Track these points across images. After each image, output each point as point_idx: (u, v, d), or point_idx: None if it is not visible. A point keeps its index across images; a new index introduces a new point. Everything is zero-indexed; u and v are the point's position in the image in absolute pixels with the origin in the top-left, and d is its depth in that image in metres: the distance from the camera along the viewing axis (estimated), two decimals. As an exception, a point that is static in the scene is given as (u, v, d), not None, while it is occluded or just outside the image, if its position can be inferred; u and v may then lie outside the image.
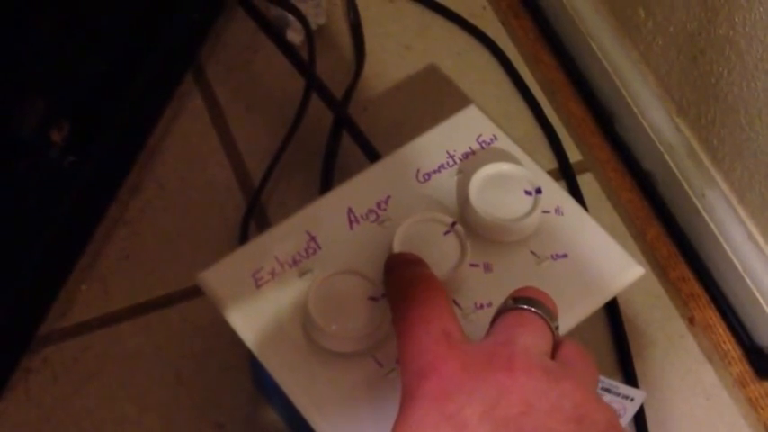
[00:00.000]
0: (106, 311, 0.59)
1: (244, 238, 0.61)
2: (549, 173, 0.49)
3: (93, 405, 0.55)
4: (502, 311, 0.36)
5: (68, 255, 0.60)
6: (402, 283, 0.38)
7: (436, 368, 0.33)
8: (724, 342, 0.59)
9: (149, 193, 0.63)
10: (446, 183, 0.48)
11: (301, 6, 0.67)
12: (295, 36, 0.70)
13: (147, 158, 0.65)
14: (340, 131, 0.65)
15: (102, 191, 0.62)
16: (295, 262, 0.45)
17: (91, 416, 0.55)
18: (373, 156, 0.61)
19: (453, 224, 0.45)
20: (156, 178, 0.64)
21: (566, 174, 0.66)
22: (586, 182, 0.67)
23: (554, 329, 0.35)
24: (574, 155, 0.68)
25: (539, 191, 0.46)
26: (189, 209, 0.63)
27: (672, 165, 0.62)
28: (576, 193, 0.65)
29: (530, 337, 0.34)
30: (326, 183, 0.63)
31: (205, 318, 0.58)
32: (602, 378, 0.48)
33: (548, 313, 0.35)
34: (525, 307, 0.35)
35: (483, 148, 0.49)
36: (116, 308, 0.59)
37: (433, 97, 0.69)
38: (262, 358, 0.43)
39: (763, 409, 0.57)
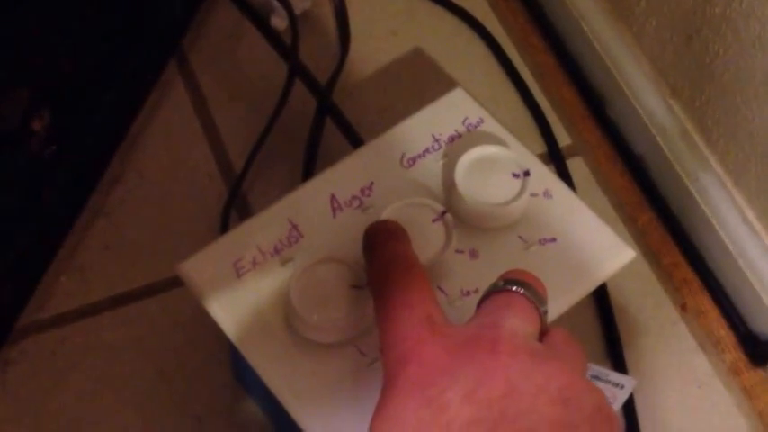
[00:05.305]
0: (85, 303, 0.58)
1: (225, 227, 0.60)
2: (539, 157, 0.48)
3: (72, 398, 0.54)
4: (490, 292, 0.35)
5: (48, 245, 0.59)
6: (382, 265, 0.37)
7: (417, 353, 0.32)
8: (717, 329, 0.59)
9: (130, 183, 0.62)
10: (431, 167, 0.47)
11: (285, -10, 0.66)
12: (279, 22, 0.68)
13: (128, 148, 0.64)
14: (323, 118, 0.64)
15: (82, 181, 0.61)
16: (277, 251, 0.44)
17: (69, 409, 0.54)
18: (357, 142, 0.60)
19: (443, 213, 0.43)
20: (137, 168, 0.63)
21: (555, 158, 0.65)
22: (576, 166, 0.66)
23: (542, 314, 0.35)
24: (563, 139, 0.67)
25: (526, 173, 0.45)
26: (170, 199, 0.62)
27: (664, 148, 0.61)
28: (565, 177, 0.64)
29: (516, 319, 0.33)
30: (309, 171, 0.62)
31: (185, 309, 0.57)
32: (591, 365, 0.47)
33: (537, 297, 0.35)
34: (514, 289, 0.34)
35: (469, 131, 0.48)
36: (95, 299, 0.58)
37: (421, 82, 0.68)
38: (242, 349, 0.42)
39: (757, 397, 0.57)
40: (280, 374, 0.41)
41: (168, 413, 0.54)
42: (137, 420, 0.54)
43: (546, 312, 0.35)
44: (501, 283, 0.35)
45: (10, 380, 0.54)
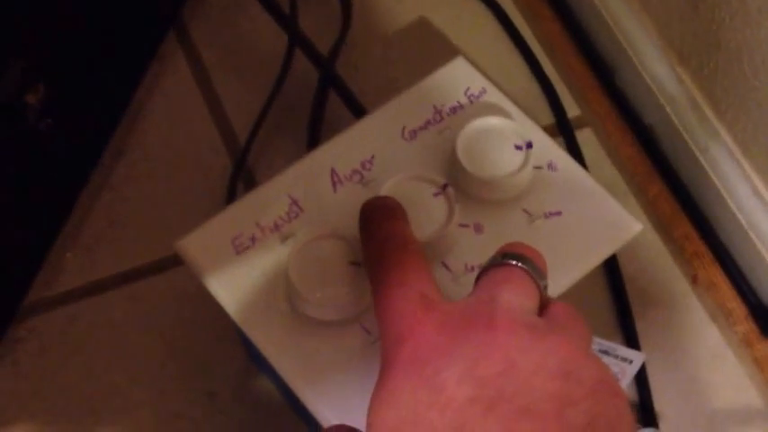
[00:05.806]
0: (92, 279, 0.57)
1: (231, 200, 0.59)
2: (547, 128, 0.47)
3: (82, 377, 0.54)
4: (489, 267, 0.34)
5: (52, 222, 0.59)
6: (378, 243, 0.36)
7: (413, 333, 0.31)
8: (729, 301, 0.58)
9: (134, 157, 0.62)
10: (433, 139, 0.46)
11: (287, -40, 0.64)
12: (281, -8, 0.67)
13: (130, 122, 0.63)
14: (326, 89, 0.63)
15: (83, 155, 0.61)
16: (276, 227, 0.43)
17: (79, 388, 0.54)
18: (361, 114, 0.59)
19: (445, 186, 0.42)
20: (140, 142, 0.62)
21: (564, 129, 0.64)
22: (585, 137, 0.65)
23: (542, 288, 0.34)
24: (572, 110, 0.66)
25: (529, 145, 0.44)
26: (175, 172, 0.61)
27: (674, 118, 0.60)
28: (574, 148, 0.63)
29: (514, 294, 0.32)
30: (313, 142, 0.61)
31: (194, 285, 0.56)
32: (599, 340, 0.47)
33: (536, 270, 0.34)
34: (512, 262, 0.34)
35: (472, 101, 0.47)
36: (102, 276, 0.58)
37: (426, 53, 0.67)
38: (244, 327, 0.41)
39: (769, 368, 0.56)
40: (283, 352, 0.40)
41: (179, 390, 0.54)
42: (147, 397, 0.54)
43: (546, 287, 0.34)
44: (499, 257, 0.34)
45: (20, 358, 0.55)
